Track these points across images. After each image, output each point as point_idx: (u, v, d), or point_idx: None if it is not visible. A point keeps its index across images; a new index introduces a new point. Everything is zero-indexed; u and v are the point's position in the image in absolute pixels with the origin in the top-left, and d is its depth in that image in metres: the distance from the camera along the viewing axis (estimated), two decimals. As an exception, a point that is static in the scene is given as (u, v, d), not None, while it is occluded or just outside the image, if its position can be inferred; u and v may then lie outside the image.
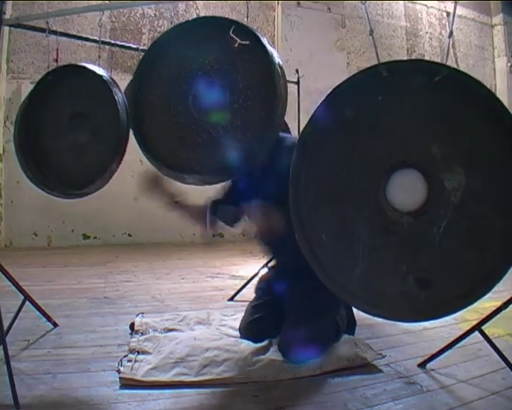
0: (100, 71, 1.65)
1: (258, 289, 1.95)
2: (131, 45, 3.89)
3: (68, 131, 1.64)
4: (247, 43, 1.33)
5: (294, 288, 1.68)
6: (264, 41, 1.34)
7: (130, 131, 1.58)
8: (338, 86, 1.20)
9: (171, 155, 1.41)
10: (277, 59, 1.36)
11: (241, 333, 1.79)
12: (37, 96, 1.67)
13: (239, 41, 1.33)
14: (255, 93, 1.34)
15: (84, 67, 1.66)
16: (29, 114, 1.66)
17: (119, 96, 1.60)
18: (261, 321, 1.75)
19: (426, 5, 6.45)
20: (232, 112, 1.36)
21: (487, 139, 1.10)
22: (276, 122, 1.35)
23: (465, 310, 1.16)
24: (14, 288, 1.81)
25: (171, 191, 1.66)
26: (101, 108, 1.61)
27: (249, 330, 1.75)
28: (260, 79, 1.34)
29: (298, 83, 3.72)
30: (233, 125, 1.36)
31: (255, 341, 1.69)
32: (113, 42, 3.75)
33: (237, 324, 1.85)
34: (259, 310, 1.79)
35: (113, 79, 1.66)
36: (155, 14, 5.09)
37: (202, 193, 1.71)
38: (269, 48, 1.34)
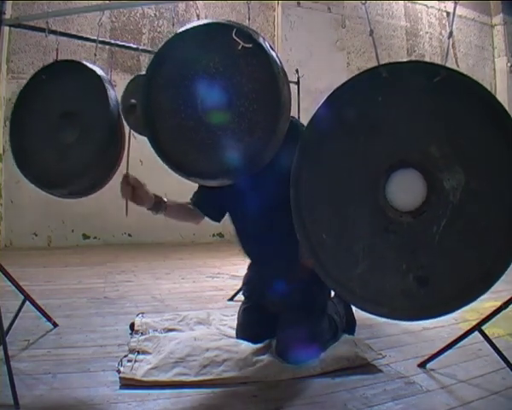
0: (93, 66, 1.64)
1: (245, 291, 1.92)
2: (131, 45, 3.89)
3: (57, 130, 1.61)
4: (249, 46, 1.34)
5: (283, 287, 1.67)
6: (267, 46, 1.35)
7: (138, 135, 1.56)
8: (338, 87, 1.21)
9: (183, 158, 1.42)
10: (280, 65, 1.36)
11: (238, 338, 1.77)
12: (30, 94, 1.66)
13: (242, 43, 1.33)
14: (260, 97, 1.35)
15: (78, 62, 1.65)
16: (20, 113, 1.66)
17: (111, 93, 1.59)
18: (256, 325, 1.73)
19: (426, 5, 6.46)
20: (239, 115, 1.37)
21: (486, 139, 1.11)
22: (281, 127, 1.36)
23: (465, 310, 1.17)
24: (14, 288, 1.81)
25: (149, 195, 1.64)
26: (93, 104, 1.60)
27: (246, 334, 1.74)
28: (264, 84, 1.35)
29: (298, 83, 3.72)
30: (241, 128, 1.37)
31: (254, 342, 1.68)
32: (112, 42, 3.75)
33: (237, 324, 1.85)
34: (252, 312, 1.77)
35: (106, 76, 1.65)
36: (155, 14, 5.09)
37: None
38: (271, 54, 1.35)
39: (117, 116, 1.60)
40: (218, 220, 1.83)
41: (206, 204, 1.77)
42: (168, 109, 1.43)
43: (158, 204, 1.66)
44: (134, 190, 1.59)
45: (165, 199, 1.70)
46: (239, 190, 1.60)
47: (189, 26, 1.45)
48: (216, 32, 1.39)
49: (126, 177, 1.58)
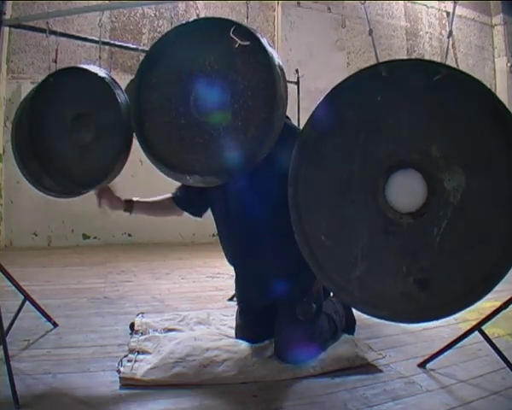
0: (102, 73, 1.64)
1: (237, 296, 1.90)
2: (131, 45, 3.90)
3: (72, 132, 1.63)
4: (247, 43, 1.33)
5: (278, 288, 1.65)
6: (265, 42, 1.34)
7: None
8: (337, 86, 1.20)
9: (172, 156, 1.41)
10: (277, 60, 1.35)
11: (237, 338, 1.76)
12: (39, 98, 1.66)
13: (239, 42, 1.33)
14: (255, 94, 1.34)
15: (86, 70, 1.66)
16: (30, 116, 1.66)
17: (122, 98, 1.60)
18: (254, 325, 1.72)
19: (426, 5, 6.45)
20: (233, 113, 1.35)
21: (487, 139, 1.10)
22: (276, 123, 1.34)
23: (465, 310, 1.16)
24: (14, 288, 1.81)
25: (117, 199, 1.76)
26: (104, 110, 1.61)
27: (244, 334, 1.73)
28: (260, 80, 1.34)
29: (298, 83, 3.73)
30: (234, 126, 1.36)
31: (253, 342, 1.68)
32: (112, 42, 3.75)
33: (237, 324, 1.85)
34: (248, 314, 1.77)
35: (115, 81, 1.65)
36: (155, 14, 5.09)
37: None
38: (269, 49, 1.34)
39: (129, 119, 1.60)
40: (199, 216, 1.84)
41: (185, 200, 1.79)
42: (159, 108, 1.42)
43: (129, 207, 1.78)
44: (104, 197, 1.74)
45: (135, 199, 1.80)
46: (231, 189, 1.60)
47: (183, 22, 1.44)
48: (211, 29, 1.39)
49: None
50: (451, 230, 1.10)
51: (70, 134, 1.63)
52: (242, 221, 1.66)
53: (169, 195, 1.83)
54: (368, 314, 1.21)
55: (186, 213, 1.85)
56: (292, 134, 1.41)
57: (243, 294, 1.82)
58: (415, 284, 1.12)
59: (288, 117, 1.62)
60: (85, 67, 1.67)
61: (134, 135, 1.54)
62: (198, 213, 1.83)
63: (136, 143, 1.61)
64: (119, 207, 1.77)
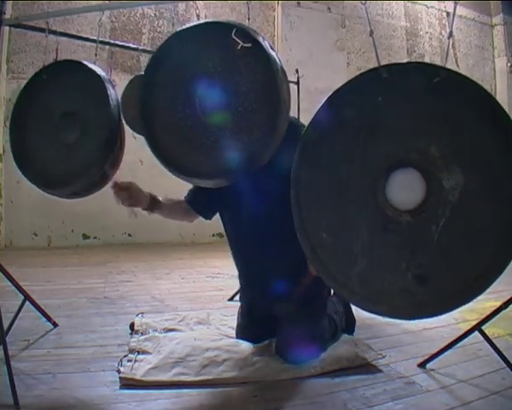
0: (94, 66, 1.64)
1: (240, 297, 1.91)
2: (131, 45, 3.90)
3: (58, 130, 1.61)
4: (249, 45, 1.33)
5: (282, 289, 1.65)
6: (266, 45, 1.35)
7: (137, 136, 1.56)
8: (339, 88, 1.21)
9: (180, 158, 1.42)
10: (279, 63, 1.36)
11: (238, 338, 1.77)
12: (30, 95, 1.66)
13: (241, 43, 1.33)
14: (259, 97, 1.35)
15: (78, 62, 1.65)
16: (21, 113, 1.66)
17: (112, 93, 1.60)
18: (255, 326, 1.73)
19: (426, 5, 6.46)
20: (238, 115, 1.36)
21: (485, 139, 1.11)
22: (279, 127, 1.36)
23: (465, 310, 1.17)
24: (14, 288, 1.81)
25: (144, 193, 1.68)
26: (93, 105, 1.60)
27: (245, 334, 1.73)
28: (263, 83, 1.35)
29: (298, 83, 3.72)
30: (239, 128, 1.37)
31: (254, 342, 1.69)
32: (112, 42, 3.75)
33: (237, 324, 1.85)
34: (250, 314, 1.77)
35: (107, 77, 1.65)
36: (155, 14, 5.09)
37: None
38: (271, 53, 1.35)
39: (118, 116, 1.60)
40: (209, 218, 1.84)
41: (199, 202, 1.79)
42: (166, 109, 1.43)
43: (153, 203, 1.70)
44: (128, 193, 1.62)
45: (160, 198, 1.73)
46: (237, 190, 1.60)
47: (187, 25, 1.45)
48: (215, 31, 1.39)
49: (117, 184, 1.61)
50: (449, 228, 1.11)
51: (56, 132, 1.61)
52: (246, 222, 1.67)
53: (181, 198, 1.82)
54: (368, 311, 1.22)
55: (197, 219, 1.85)
56: (296, 136, 1.41)
57: (244, 294, 1.82)
58: (413, 280, 1.13)
59: (297, 120, 1.62)
60: (77, 59, 1.67)
61: (136, 136, 1.54)
62: (209, 215, 1.83)
63: (135, 143, 1.62)
64: (143, 203, 1.67)
